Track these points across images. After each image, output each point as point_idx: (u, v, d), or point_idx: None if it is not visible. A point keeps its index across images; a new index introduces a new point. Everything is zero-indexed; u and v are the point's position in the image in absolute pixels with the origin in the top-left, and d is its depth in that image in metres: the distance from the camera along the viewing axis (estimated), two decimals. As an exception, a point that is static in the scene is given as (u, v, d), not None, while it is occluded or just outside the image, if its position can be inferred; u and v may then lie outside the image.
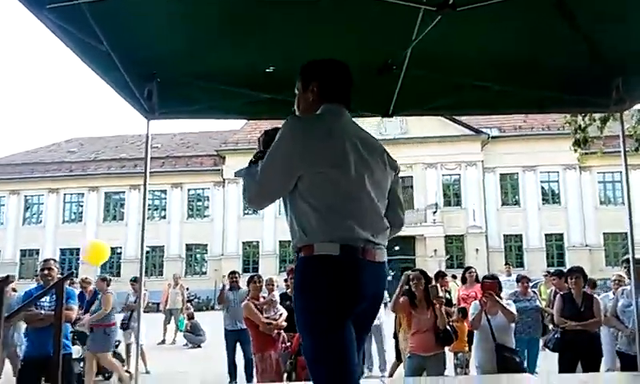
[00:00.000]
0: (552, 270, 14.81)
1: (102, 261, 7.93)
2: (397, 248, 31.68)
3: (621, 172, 5.61)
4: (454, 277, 15.09)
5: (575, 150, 11.76)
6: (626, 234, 5.04)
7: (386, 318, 8.30)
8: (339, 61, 2.24)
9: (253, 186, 2.06)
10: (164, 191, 34.88)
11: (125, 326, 9.35)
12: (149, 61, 3.94)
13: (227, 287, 8.42)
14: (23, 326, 6.00)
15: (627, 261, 5.75)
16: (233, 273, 8.68)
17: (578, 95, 4.28)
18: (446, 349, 5.31)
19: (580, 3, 3.21)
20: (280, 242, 33.82)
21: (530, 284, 9.14)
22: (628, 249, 5.02)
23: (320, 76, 2.19)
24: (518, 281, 8.10)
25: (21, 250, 34.84)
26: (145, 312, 10.67)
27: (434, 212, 31.47)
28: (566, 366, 5.76)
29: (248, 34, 3.59)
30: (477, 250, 31.58)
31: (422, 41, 3.30)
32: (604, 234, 31.15)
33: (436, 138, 31.10)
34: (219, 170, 34.06)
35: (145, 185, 4.08)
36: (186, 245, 34.07)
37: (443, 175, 33.33)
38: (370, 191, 2.03)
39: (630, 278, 5.46)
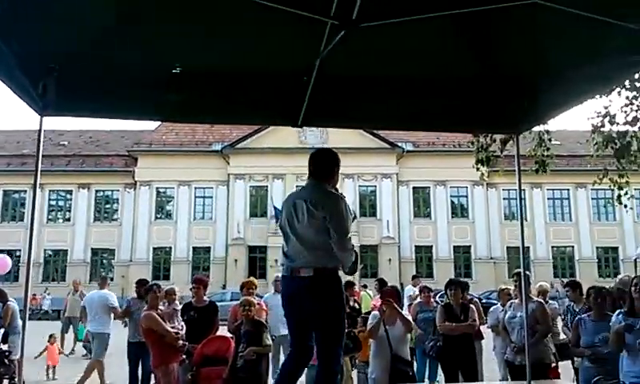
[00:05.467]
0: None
1: None
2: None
3: (524, 189, 5.94)
4: (365, 286, 15.46)
5: (477, 169, 11.94)
6: (527, 248, 5.31)
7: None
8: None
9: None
10: (69, 192, 33.09)
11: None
12: (47, 54, 3.67)
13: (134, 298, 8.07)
14: None
15: (517, 274, 6.13)
16: (141, 281, 8.30)
17: (478, 116, 4.48)
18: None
19: (475, 24, 3.40)
20: (194, 248, 33.03)
21: (437, 294, 9.44)
22: (528, 263, 5.29)
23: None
24: (420, 291, 8.38)
25: None
26: (40, 320, 9.92)
27: (350, 222, 31.91)
28: (448, 374, 6.12)
29: (154, 34, 3.46)
30: (389, 259, 32.48)
31: (331, 54, 3.33)
32: (507, 247, 32.94)
33: (354, 149, 31.46)
34: (131, 171, 32.77)
35: (35, 185, 3.76)
36: (92, 249, 32.52)
37: (360, 186, 34.06)
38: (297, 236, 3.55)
39: (518, 292, 5.82)
